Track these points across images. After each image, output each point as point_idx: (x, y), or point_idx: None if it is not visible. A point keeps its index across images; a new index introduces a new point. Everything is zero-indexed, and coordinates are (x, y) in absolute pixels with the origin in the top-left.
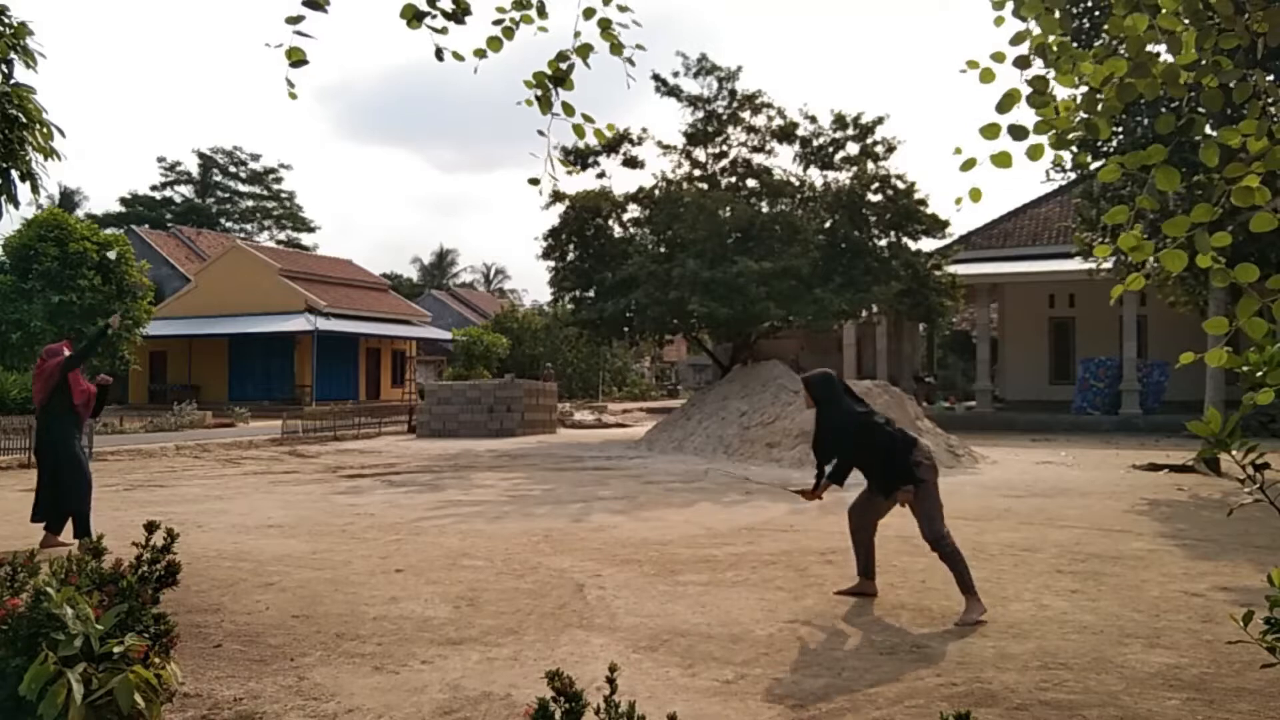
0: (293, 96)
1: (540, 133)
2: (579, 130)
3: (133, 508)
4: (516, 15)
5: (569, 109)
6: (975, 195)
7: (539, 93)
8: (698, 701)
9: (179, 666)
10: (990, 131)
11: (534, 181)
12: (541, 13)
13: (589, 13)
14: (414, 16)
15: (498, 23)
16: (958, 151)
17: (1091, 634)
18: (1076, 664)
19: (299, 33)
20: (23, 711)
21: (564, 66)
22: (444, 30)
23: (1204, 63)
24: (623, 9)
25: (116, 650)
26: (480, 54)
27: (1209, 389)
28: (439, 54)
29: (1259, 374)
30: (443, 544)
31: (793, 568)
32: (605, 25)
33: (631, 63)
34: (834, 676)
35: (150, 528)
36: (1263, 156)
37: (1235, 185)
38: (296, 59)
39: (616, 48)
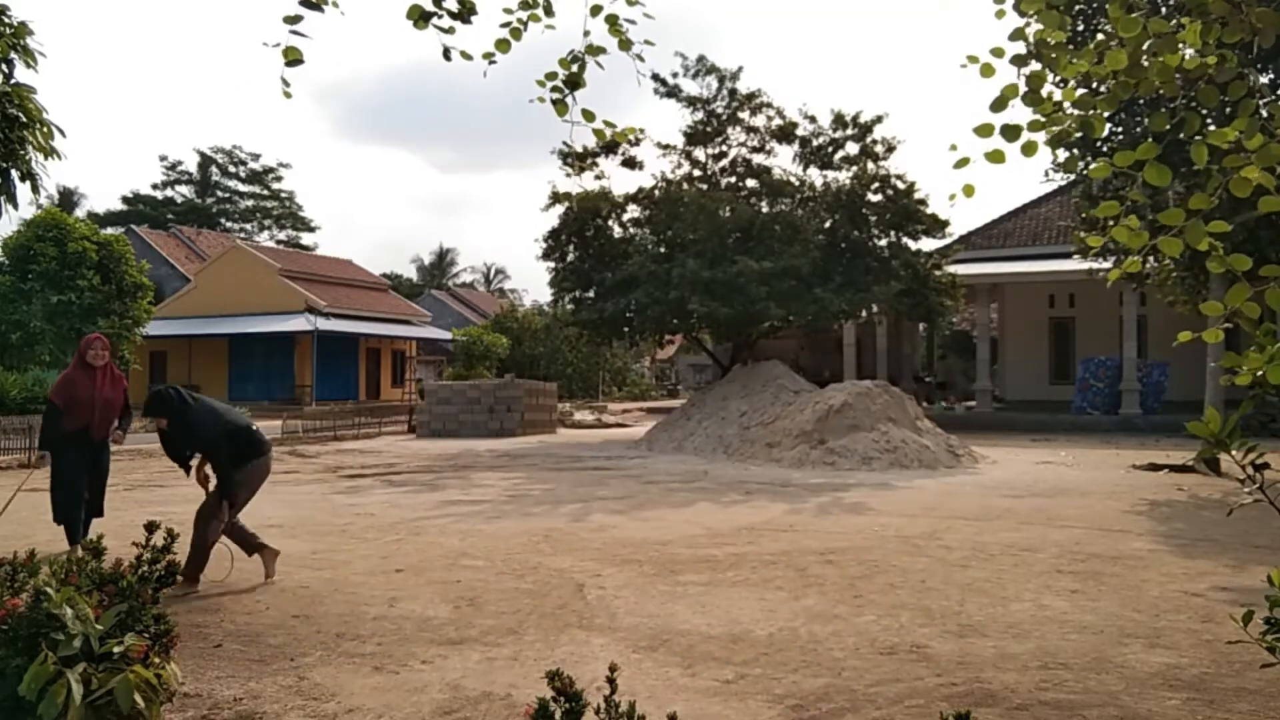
0: (287, 95)
1: (565, 145)
2: (600, 134)
3: (133, 508)
4: (524, 15)
5: (589, 115)
6: (969, 191)
7: (554, 96)
8: (698, 701)
9: (179, 666)
10: (984, 130)
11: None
12: (549, 11)
13: (596, 10)
14: (420, 17)
15: (505, 24)
16: (953, 148)
17: (1091, 634)
18: (1076, 664)
19: (296, 32)
20: (22, 711)
21: (575, 69)
22: (451, 30)
23: (1207, 58)
24: (632, 3)
25: (116, 650)
26: (489, 57)
27: (1209, 389)
28: (446, 54)
29: (1258, 373)
30: (443, 544)
31: (793, 568)
32: (613, 21)
33: (641, 59)
34: (834, 676)
35: (150, 528)
36: (1259, 150)
37: (1233, 176)
38: (293, 58)
39: (625, 44)
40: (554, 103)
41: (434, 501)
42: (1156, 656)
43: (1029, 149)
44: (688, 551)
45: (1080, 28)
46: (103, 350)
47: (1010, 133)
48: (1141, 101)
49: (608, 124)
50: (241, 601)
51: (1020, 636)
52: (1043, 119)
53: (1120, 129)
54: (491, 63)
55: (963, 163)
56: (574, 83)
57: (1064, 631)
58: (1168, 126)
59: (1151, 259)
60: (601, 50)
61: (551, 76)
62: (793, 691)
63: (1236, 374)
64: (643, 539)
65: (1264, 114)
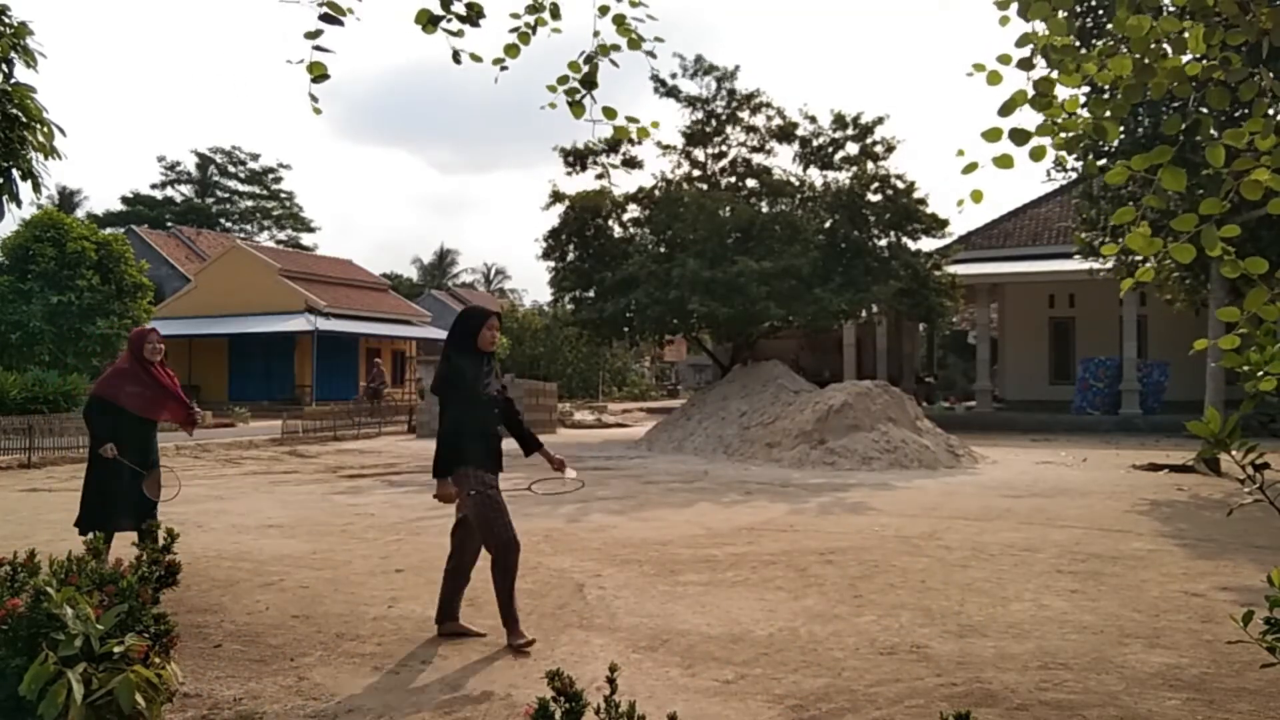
0: (317, 112)
1: (584, 145)
2: (622, 131)
3: None
4: (531, 19)
5: (610, 112)
6: (977, 197)
7: (569, 97)
8: (698, 701)
9: (179, 666)
10: (992, 135)
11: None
12: (555, 14)
13: (604, 9)
14: (429, 21)
15: (514, 29)
16: (960, 154)
17: (1091, 634)
18: (1076, 664)
19: (318, 48)
20: (23, 711)
21: (588, 69)
22: (459, 34)
23: (1212, 60)
24: (635, 3)
25: (117, 650)
26: (499, 63)
27: (1209, 389)
28: (456, 58)
29: (1260, 372)
30: (443, 544)
31: (793, 568)
32: (620, 21)
33: (653, 55)
34: (834, 676)
35: (150, 528)
36: (1271, 152)
37: (1244, 179)
38: (318, 74)
39: (634, 43)
40: (570, 104)
41: (434, 501)
42: (1156, 656)
43: (1038, 154)
44: (688, 551)
45: (1089, 24)
46: (159, 343)
47: (1019, 137)
48: (1143, 104)
49: (631, 119)
50: (241, 601)
51: (1020, 636)
52: (1053, 123)
53: (1124, 131)
54: (503, 69)
55: (971, 168)
56: (590, 82)
57: (1064, 631)
58: (1182, 129)
59: (1152, 259)
60: (615, 48)
61: (563, 80)
62: (793, 691)
63: (1247, 374)
64: (643, 539)
65: (1277, 115)
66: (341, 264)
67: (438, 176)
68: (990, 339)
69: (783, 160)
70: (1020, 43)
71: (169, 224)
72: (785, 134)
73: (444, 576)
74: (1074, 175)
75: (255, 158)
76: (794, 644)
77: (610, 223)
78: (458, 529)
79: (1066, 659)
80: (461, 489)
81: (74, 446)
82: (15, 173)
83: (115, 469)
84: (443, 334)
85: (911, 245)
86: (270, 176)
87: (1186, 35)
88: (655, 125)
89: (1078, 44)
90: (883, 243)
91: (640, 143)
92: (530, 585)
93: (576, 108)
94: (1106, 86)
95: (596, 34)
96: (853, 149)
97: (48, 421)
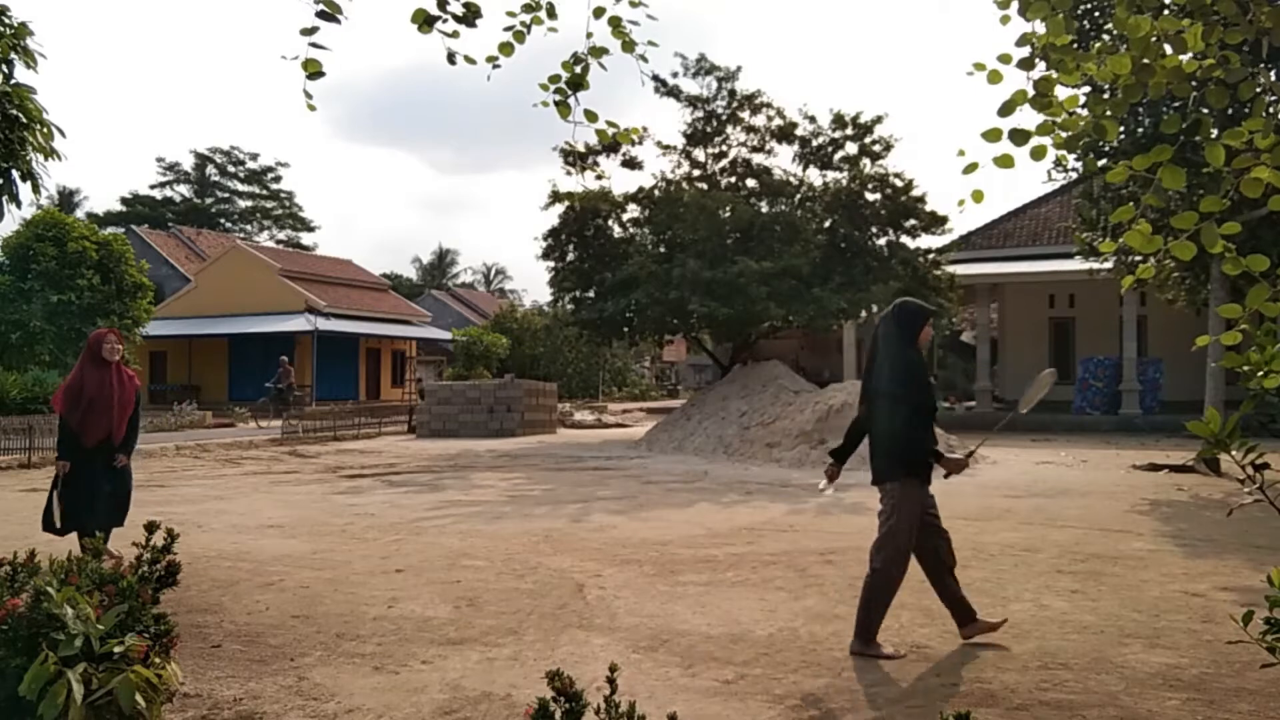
0: (311, 109)
1: (568, 144)
2: (603, 135)
3: (133, 508)
4: (527, 18)
5: (592, 115)
6: (978, 197)
7: (557, 98)
8: (698, 701)
9: (179, 666)
10: (992, 135)
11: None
12: (551, 14)
13: (599, 11)
14: (425, 21)
15: (509, 28)
16: (961, 154)
17: (1091, 634)
18: (1076, 664)
19: (314, 44)
20: (23, 711)
21: (579, 70)
22: (455, 34)
23: (1211, 59)
24: (635, 4)
25: (117, 650)
26: (493, 61)
27: (1209, 389)
28: (451, 58)
29: (1261, 372)
30: (443, 544)
31: (793, 568)
32: (616, 23)
33: (645, 59)
34: (834, 676)
35: (150, 528)
36: (1271, 150)
37: (1244, 177)
38: (313, 71)
39: (628, 45)
40: (557, 105)
41: (434, 502)
42: (1156, 656)
43: (1038, 153)
44: (688, 551)
45: (1086, 25)
46: (118, 344)
47: (1019, 137)
48: (1143, 104)
49: (610, 124)
50: (241, 601)
51: (1020, 636)
52: (1053, 122)
53: (1124, 131)
54: (496, 67)
55: (972, 168)
56: (577, 84)
57: (1064, 631)
58: (1182, 127)
59: (1152, 259)
60: (605, 51)
61: (555, 79)
62: (793, 691)
63: (1248, 373)
64: (643, 539)
65: (1277, 114)
66: (341, 264)
67: (437, 176)
68: (990, 339)
69: (782, 160)
70: (1020, 42)
71: (169, 224)
72: (785, 134)
73: (936, 585)
74: (1074, 175)
75: (254, 157)
76: (794, 644)
77: (610, 223)
78: (920, 538)
79: (1066, 659)
80: (917, 493)
81: None
82: (15, 173)
83: (81, 474)
84: (442, 334)
85: (911, 244)
86: (269, 176)
87: (1186, 34)
88: (635, 131)
89: (1076, 44)
90: (882, 241)
91: (639, 143)
92: (530, 585)
93: (563, 108)
94: (1106, 85)
95: (589, 35)
96: (852, 149)
97: (48, 421)
